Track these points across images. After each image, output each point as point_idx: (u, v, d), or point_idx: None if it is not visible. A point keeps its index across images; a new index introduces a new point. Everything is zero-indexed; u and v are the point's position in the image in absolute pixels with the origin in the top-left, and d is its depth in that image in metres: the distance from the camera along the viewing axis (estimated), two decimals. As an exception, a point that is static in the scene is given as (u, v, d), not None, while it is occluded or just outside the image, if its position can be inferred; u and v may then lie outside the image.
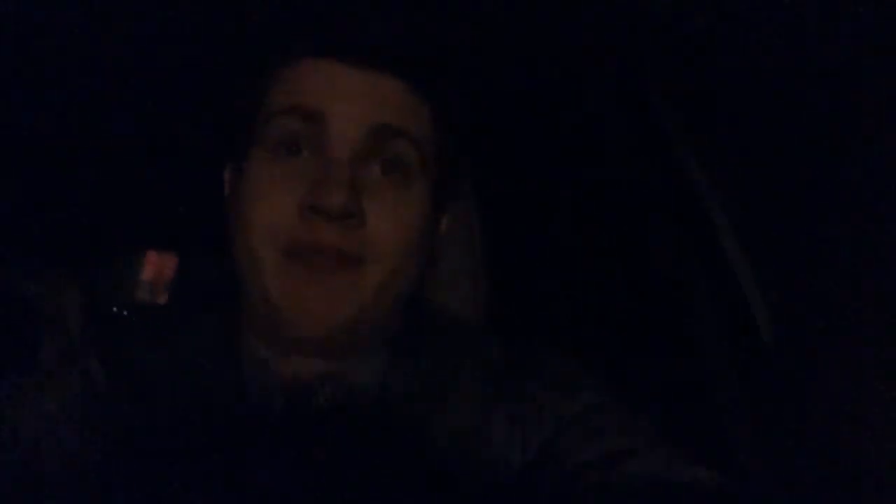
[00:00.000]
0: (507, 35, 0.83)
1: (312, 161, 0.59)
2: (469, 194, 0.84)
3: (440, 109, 0.64)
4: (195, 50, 0.80)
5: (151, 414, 0.59)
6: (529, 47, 0.86)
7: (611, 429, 0.55)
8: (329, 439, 0.57)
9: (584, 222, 0.98)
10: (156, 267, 0.69)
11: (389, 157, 0.60)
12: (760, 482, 0.53)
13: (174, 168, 0.92)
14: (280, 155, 0.59)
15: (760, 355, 0.68)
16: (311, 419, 0.58)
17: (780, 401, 0.62)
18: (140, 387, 0.60)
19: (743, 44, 0.78)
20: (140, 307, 0.68)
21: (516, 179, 0.98)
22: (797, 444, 0.65)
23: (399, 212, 0.59)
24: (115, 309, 0.77)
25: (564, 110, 0.94)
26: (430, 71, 0.63)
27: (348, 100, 0.59)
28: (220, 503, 0.53)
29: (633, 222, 0.89)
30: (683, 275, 0.81)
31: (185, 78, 0.82)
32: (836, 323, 0.49)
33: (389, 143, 0.59)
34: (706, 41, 0.79)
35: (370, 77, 0.60)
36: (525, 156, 0.97)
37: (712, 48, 0.79)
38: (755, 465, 0.54)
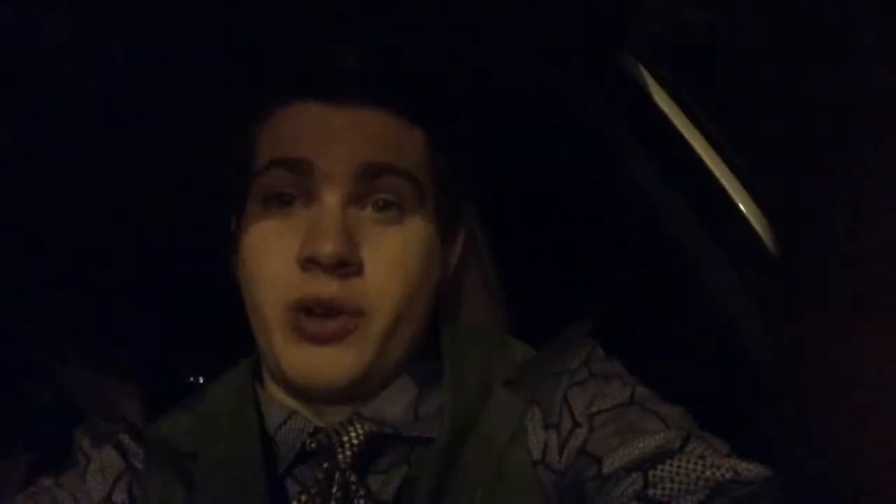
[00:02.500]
0: (490, 45, 0.83)
1: (305, 211, 0.59)
2: (470, 206, 0.83)
3: (433, 132, 0.63)
4: (179, 107, 0.81)
5: (186, 484, 0.59)
6: (516, 52, 0.86)
7: (644, 425, 0.54)
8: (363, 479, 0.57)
9: (590, 222, 0.98)
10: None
11: (382, 196, 0.59)
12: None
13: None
14: (273, 208, 0.59)
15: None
16: (344, 460, 0.57)
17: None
18: (174, 458, 0.61)
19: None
20: None
21: (516, 186, 0.97)
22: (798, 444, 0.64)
23: (397, 254, 0.59)
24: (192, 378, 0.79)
25: (559, 113, 0.93)
26: (416, 96, 0.62)
27: (334, 143, 0.59)
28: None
29: (639, 220, 0.88)
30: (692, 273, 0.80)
31: (173, 137, 0.83)
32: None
33: (380, 181, 0.59)
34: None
35: (355, 114, 0.59)
36: (521, 160, 0.96)
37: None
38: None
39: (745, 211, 0.77)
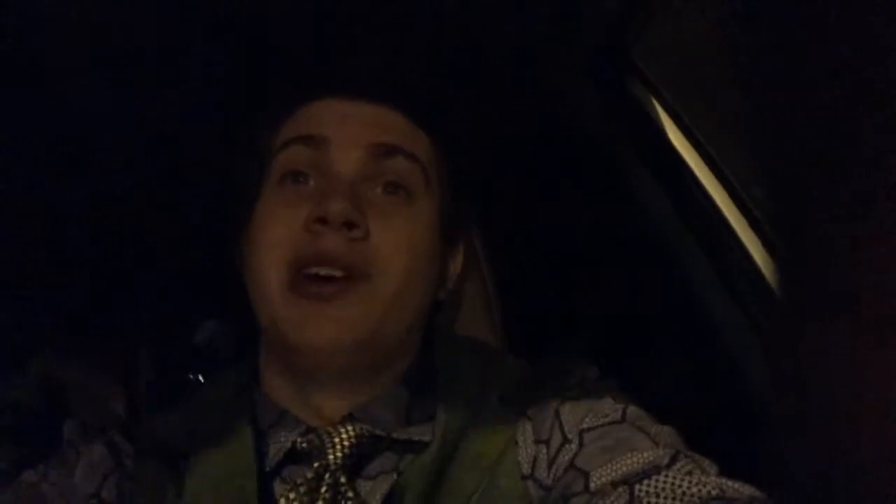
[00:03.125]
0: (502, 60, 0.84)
1: (317, 185, 0.61)
2: (470, 219, 0.84)
3: (441, 141, 0.66)
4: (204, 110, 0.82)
5: (176, 482, 0.59)
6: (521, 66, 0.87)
7: (633, 443, 0.54)
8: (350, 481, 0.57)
9: (589, 231, 0.98)
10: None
11: (391, 178, 0.62)
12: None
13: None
14: (287, 184, 0.62)
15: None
16: (333, 462, 0.57)
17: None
18: (165, 456, 0.60)
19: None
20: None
21: (517, 197, 0.98)
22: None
23: (403, 228, 0.60)
24: (191, 376, 0.79)
25: (562, 126, 0.94)
26: (428, 104, 0.66)
27: (349, 125, 0.62)
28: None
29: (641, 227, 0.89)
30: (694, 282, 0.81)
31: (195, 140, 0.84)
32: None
33: (391, 161, 0.62)
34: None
35: (371, 108, 0.64)
36: (522, 171, 0.97)
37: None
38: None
39: (740, 232, 0.78)
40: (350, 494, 0.56)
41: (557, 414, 0.59)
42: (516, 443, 0.59)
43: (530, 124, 0.92)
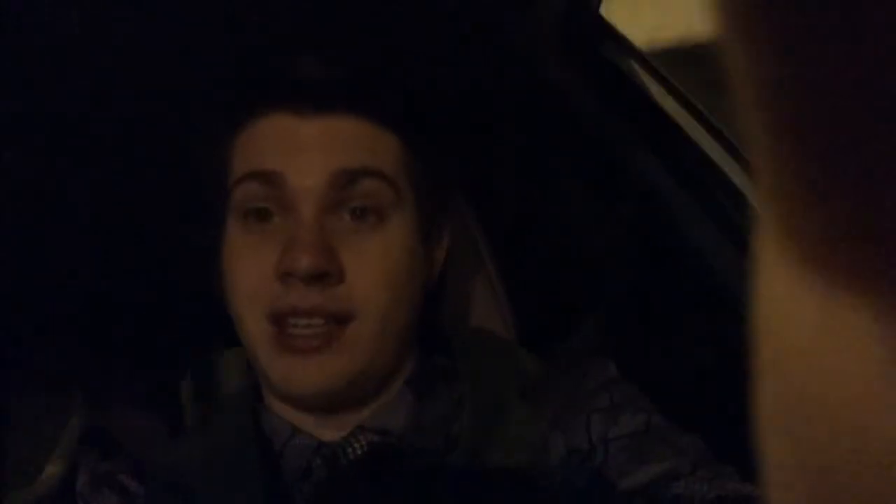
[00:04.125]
0: (460, 43, 0.81)
1: (282, 223, 0.58)
2: (463, 209, 0.82)
3: (407, 137, 0.62)
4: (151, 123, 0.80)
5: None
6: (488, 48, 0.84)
7: (657, 452, 0.56)
8: (371, 492, 0.58)
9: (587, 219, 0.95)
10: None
11: (358, 203, 0.59)
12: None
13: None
14: (251, 223, 0.59)
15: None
16: (350, 475, 0.58)
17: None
18: (176, 491, 0.60)
19: None
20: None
21: (509, 180, 0.96)
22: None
23: (378, 259, 0.58)
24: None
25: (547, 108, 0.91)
26: (385, 103, 0.62)
27: (304, 153, 0.58)
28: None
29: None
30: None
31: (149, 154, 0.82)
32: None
33: (356, 186, 0.58)
34: None
35: (325, 123, 0.59)
36: (512, 153, 0.94)
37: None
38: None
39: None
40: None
41: (588, 424, 0.60)
42: (547, 448, 0.60)
43: (504, 102, 0.89)
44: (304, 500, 0.58)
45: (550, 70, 0.84)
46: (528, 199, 0.96)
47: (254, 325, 0.58)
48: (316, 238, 0.56)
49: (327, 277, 0.56)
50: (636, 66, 0.83)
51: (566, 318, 0.83)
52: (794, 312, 0.13)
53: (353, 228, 0.58)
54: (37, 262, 0.85)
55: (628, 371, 0.65)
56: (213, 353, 0.70)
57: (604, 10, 0.85)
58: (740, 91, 0.12)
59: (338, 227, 0.58)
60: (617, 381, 0.63)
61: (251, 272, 0.58)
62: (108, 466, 0.63)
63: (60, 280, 0.86)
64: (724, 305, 0.73)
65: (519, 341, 0.75)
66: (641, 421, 0.59)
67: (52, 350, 0.81)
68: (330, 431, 0.61)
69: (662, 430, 0.58)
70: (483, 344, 0.67)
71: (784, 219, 0.12)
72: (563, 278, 0.94)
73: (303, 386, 0.57)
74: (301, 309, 0.56)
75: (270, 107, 0.59)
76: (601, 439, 0.58)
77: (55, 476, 0.67)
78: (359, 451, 0.58)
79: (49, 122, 0.76)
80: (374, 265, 0.58)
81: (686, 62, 0.83)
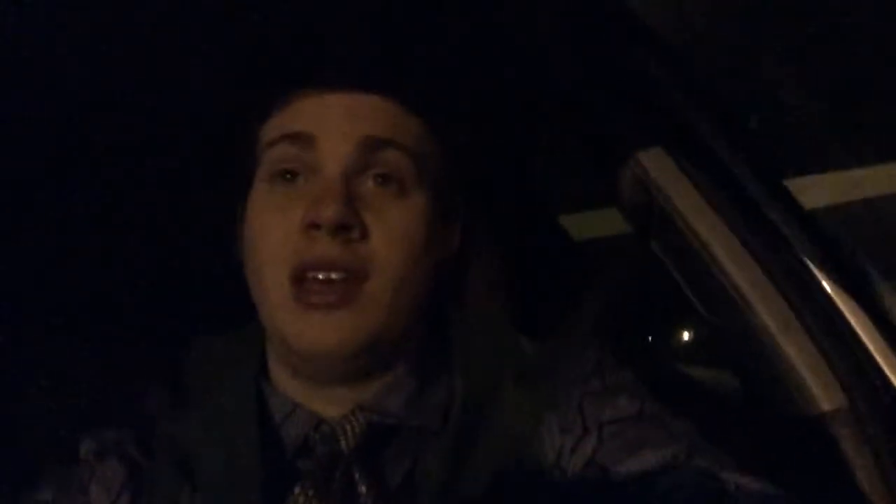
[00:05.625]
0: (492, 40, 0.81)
1: (308, 184, 0.60)
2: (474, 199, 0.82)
3: (433, 123, 0.64)
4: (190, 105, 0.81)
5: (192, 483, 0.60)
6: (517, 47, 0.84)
7: (651, 439, 0.56)
8: (366, 471, 0.58)
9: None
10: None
11: (382, 170, 0.60)
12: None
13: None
14: (278, 183, 0.61)
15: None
16: (346, 453, 0.58)
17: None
18: (178, 461, 0.61)
19: None
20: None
21: (516, 174, 0.96)
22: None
23: (399, 223, 0.60)
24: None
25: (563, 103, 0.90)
26: (412, 87, 0.64)
27: (337, 119, 0.60)
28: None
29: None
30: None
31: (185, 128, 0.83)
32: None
33: (381, 154, 0.60)
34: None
35: (359, 98, 0.61)
36: (521, 150, 0.95)
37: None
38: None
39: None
40: (364, 482, 0.57)
41: (580, 406, 0.60)
42: (540, 431, 0.60)
43: (529, 94, 0.88)
44: (301, 474, 0.59)
45: (571, 65, 0.83)
46: (534, 190, 0.96)
47: (275, 281, 0.58)
48: (341, 192, 0.58)
49: (350, 231, 0.57)
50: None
51: (564, 303, 0.84)
52: None
53: (377, 192, 0.60)
54: (44, 242, 0.85)
55: (624, 357, 0.66)
56: (216, 333, 0.71)
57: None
58: None
59: (362, 189, 0.60)
60: (611, 365, 0.64)
61: (277, 228, 0.59)
62: (115, 436, 0.64)
63: (69, 258, 0.87)
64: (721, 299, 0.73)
65: (517, 326, 0.76)
66: (635, 406, 0.59)
67: (60, 327, 0.82)
68: (330, 408, 0.61)
69: (656, 415, 0.59)
70: (481, 329, 0.68)
71: None
72: (563, 265, 0.95)
73: (320, 341, 0.57)
74: (324, 259, 0.57)
75: (305, 82, 0.62)
76: (595, 423, 0.59)
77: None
78: (357, 430, 0.59)
79: (71, 87, 0.76)
80: (394, 229, 0.59)
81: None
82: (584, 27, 0.79)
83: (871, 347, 0.69)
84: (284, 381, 0.63)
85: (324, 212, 0.56)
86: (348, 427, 0.59)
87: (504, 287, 0.82)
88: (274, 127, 0.62)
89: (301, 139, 0.60)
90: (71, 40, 0.73)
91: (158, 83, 0.79)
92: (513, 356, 0.65)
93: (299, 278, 0.57)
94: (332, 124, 0.60)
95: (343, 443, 0.58)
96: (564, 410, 0.60)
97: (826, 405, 0.68)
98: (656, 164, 0.78)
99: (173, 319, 0.80)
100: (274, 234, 0.59)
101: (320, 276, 0.57)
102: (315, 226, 0.57)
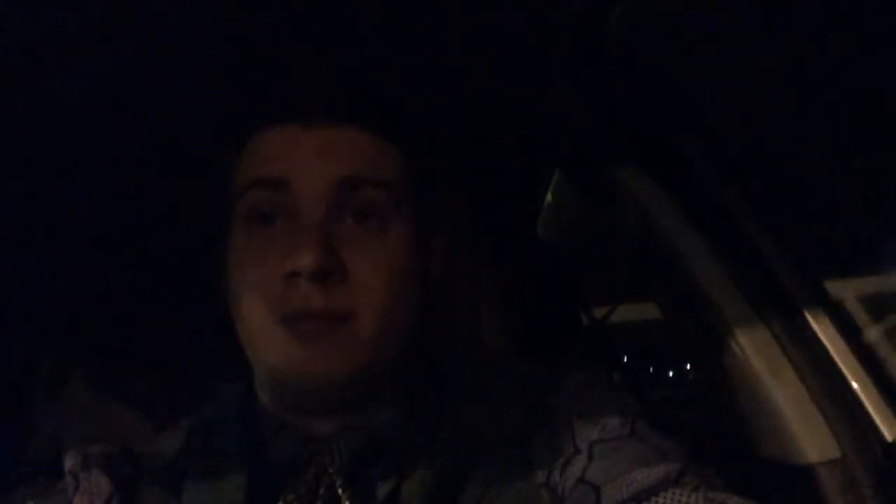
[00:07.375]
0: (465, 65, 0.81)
1: (286, 227, 0.59)
2: (462, 219, 0.82)
3: (409, 149, 0.64)
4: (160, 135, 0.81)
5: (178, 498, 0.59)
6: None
7: (643, 458, 0.55)
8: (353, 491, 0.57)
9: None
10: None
11: (359, 206, 0.60)
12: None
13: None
14: (255, 227, 0.60)
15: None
16: (333, 473, 0.58)
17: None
18: (165, 476, 0.61)
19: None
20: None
21: (502, 189, 0.95)
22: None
23: (381, 257, 0.59)
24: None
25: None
26: (386, 116, 0.63)
27: (310, 160, 0.59)
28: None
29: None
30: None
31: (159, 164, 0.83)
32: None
33: (358, 193, 0.60)
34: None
35: (329, 133, 0.60)
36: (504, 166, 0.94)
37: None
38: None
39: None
40: (348, 501, 0.56)
41: (571, 425, 0.60)
42: (530, 450, 0.59)
43: (505, 117, 0.88)
44: (287, 493, 0.58)
45: (553, 85, 0.83)
46: (526, 211, 0.95)
47: (262, 324, 0.58)
48: (319, 238, 0.57)
49: (331, 276, 0.57)
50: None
51: (560, 328, 0.83)
52: None
53: (356, 230, 0.59)
54: (39, 267, 0.86)
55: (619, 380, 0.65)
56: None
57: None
58: None
59: (340, 228, 0.59)
60: (603, 385, 0.64)
61: (258, 276, 0.59)
62: (100, 448, 0.63)
63: (63, 287, 0.88)
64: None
65: (507, 344, 0.76)
66: (626, 425, 0.58)
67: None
68: (318, 427, 0.61)
69: (647, 433, 0.58)
70: (469, 348, 0.69)
71: None
72: (559, 289, 0.94)
73: (309, 373, 0.57)
74: (308, 311, 0.56)
75: (274, 119, 0.61)
76: (585, 442, 0.58)
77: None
78: (343, 447, 0.59)
79: (53, 131, 0.77)
80: (375, 264, 0.59)
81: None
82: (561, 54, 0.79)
83: (863, 397, 0.68)
84: (272, 402, 0.63)
85: (303, 260, 0.56)
86: (334, 447, 0.59)
87: (493, 305, 0.81)
88: (245, 171, 0.61)
89: (275, 184, 0.59)
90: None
91: (125, 123, 0.78)
92: (502, 375, 0.65)
93: (286, 322, 0.57)
94: (305, 165, 0.59)
95: (330, 462, 0.58)
96: (555, 429, 0.60)
97: (815, 455, 0.66)
98: (653, 202, 0.78)
99: (163, 335, 0.81)
100: (256, 282, 0.59)
101: (308, 325, 0.57)
102: (296, 273, 0.57)
